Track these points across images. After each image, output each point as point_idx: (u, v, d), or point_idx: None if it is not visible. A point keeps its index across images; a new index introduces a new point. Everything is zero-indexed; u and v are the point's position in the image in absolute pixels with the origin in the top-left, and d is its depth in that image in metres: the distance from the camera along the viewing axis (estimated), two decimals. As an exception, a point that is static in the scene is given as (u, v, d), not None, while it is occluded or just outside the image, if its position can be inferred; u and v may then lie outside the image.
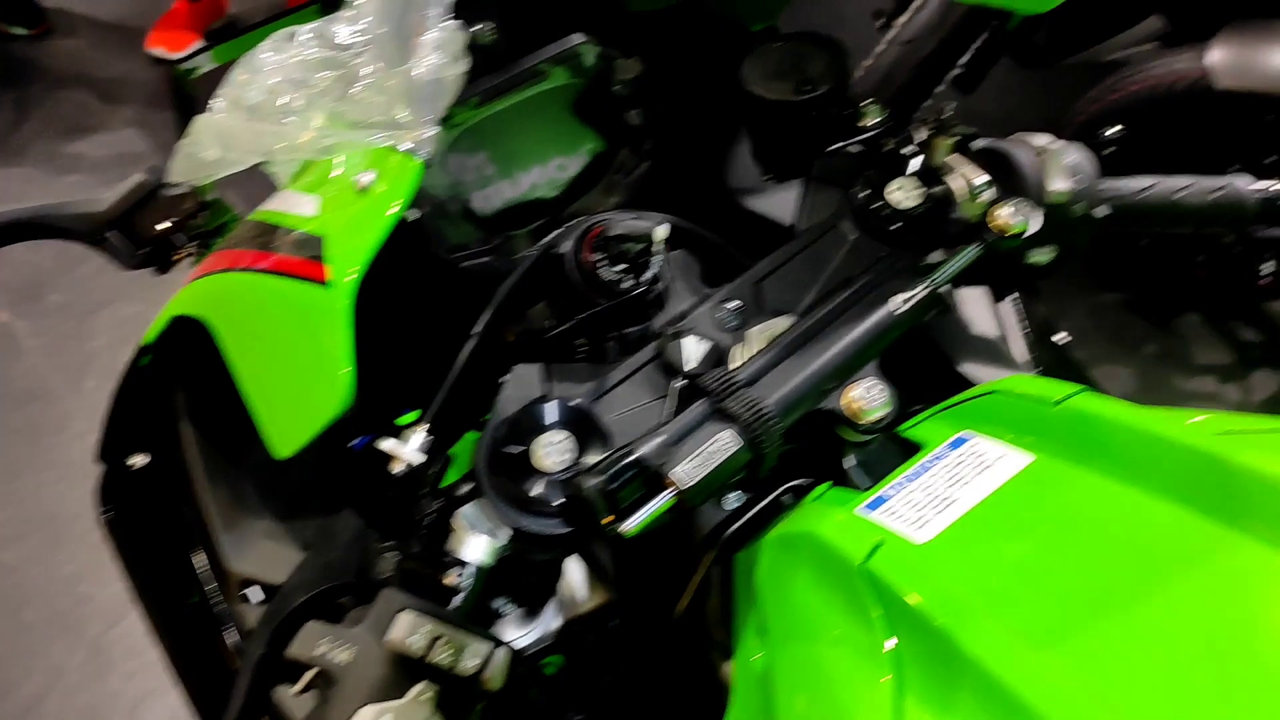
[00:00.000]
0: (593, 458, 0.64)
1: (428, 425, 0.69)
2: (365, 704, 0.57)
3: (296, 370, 0.67)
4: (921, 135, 0.83)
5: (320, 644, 0.60)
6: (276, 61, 0.66)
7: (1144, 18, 3.00)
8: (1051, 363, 0.94)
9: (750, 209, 0.90)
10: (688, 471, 0.61)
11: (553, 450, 0.64)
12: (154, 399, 0.79)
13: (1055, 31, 3.00)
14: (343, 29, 0.65)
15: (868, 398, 0.65)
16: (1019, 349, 0.94)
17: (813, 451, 0.69)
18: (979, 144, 0.83)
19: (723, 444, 0.62)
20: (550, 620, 0.85)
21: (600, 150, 0.87)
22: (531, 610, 0.86)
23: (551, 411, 0.65)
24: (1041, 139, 0.81)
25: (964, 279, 0.77)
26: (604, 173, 0.87)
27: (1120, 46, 3.04)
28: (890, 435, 0.68)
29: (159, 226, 0.76)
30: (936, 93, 3.04)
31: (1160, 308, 2.88)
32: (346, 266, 0.64)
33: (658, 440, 0.62)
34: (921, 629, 0.52)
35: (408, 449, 0.67)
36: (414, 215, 0.75)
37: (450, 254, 0.81)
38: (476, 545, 0.65)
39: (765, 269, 0.74)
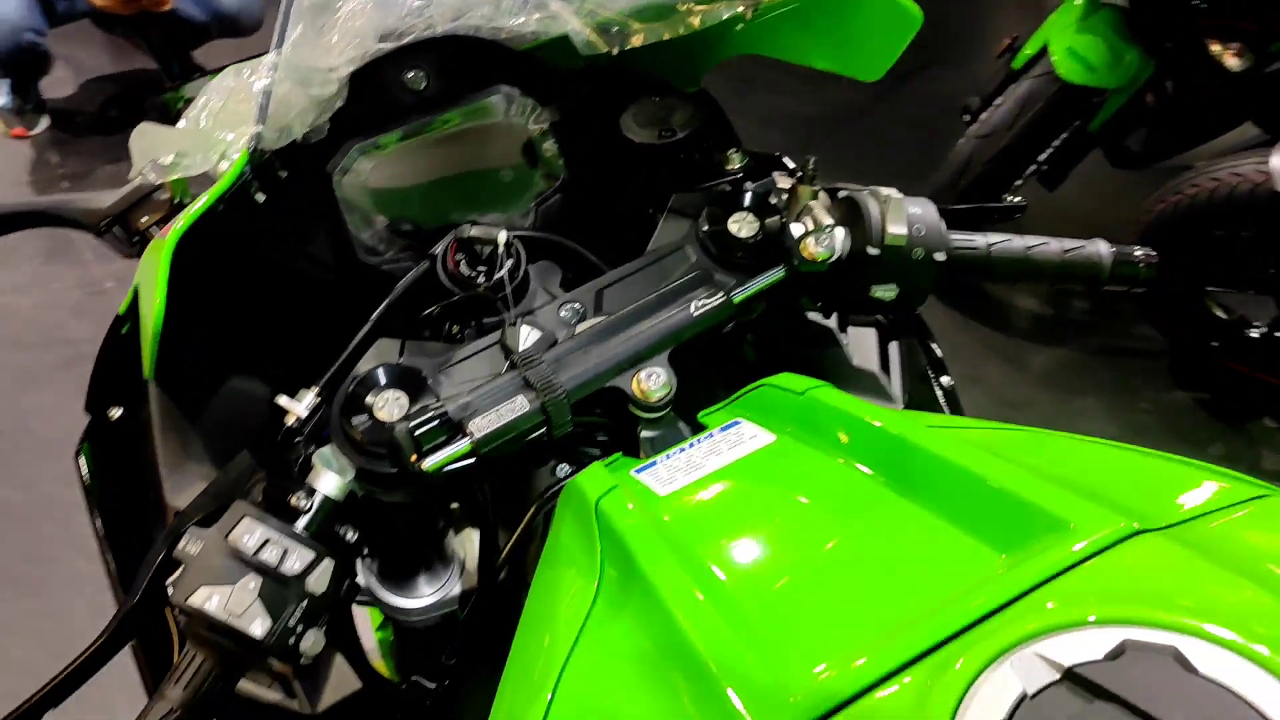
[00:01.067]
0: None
1: (318, 389, 0.84)
2: (202, 585, 0.72)
3: (150, 306, 0.83)
4: (785, 182, 0.95)
5: (186, 541, 0.75)
6: (225, 89, 0.84)
7: (1238, 124, 3.00)
8: (928, 402, 1.04)
9: (636, 236, 1.03)
10: (482, 425, 0.74)
11: (388, 404, 0.78)
12: (129, 361, 0.97)
13: (1152, 136, 3.03)
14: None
15: (650, 382, 0.78)
16: (896, 385, 1.04)
17: (619, 430, 0.81)
18: (841, 193, 0.95)
19: (517, 406, 0.75)
20: (452, 586, 0.98)
21: (515, 180, 1.03)
22: (436, 574, 1.00)
23: (391, 373, 0.79)
24: (888, 191, 0.92)
25: (792, 300, 0.89)
26: (518, 199, 1.02)
27: (1215, 151, 3.04)
28: (686, 420, 0.80)
29: (144, 221, 0.95)
30: (1016, 185, 3.10)
31: (1232, 410, 2.83)
32: (174, 228, 0.81)
33: (464, 399, 0.76)
34: (621, 552, 0.64)
35: (299, 406, 0.82)
36: (261, 198, 0.89)
37: (372, 257, 0.97)
38: (326, 479, 0.79)
39: (609, 279, 0.87)
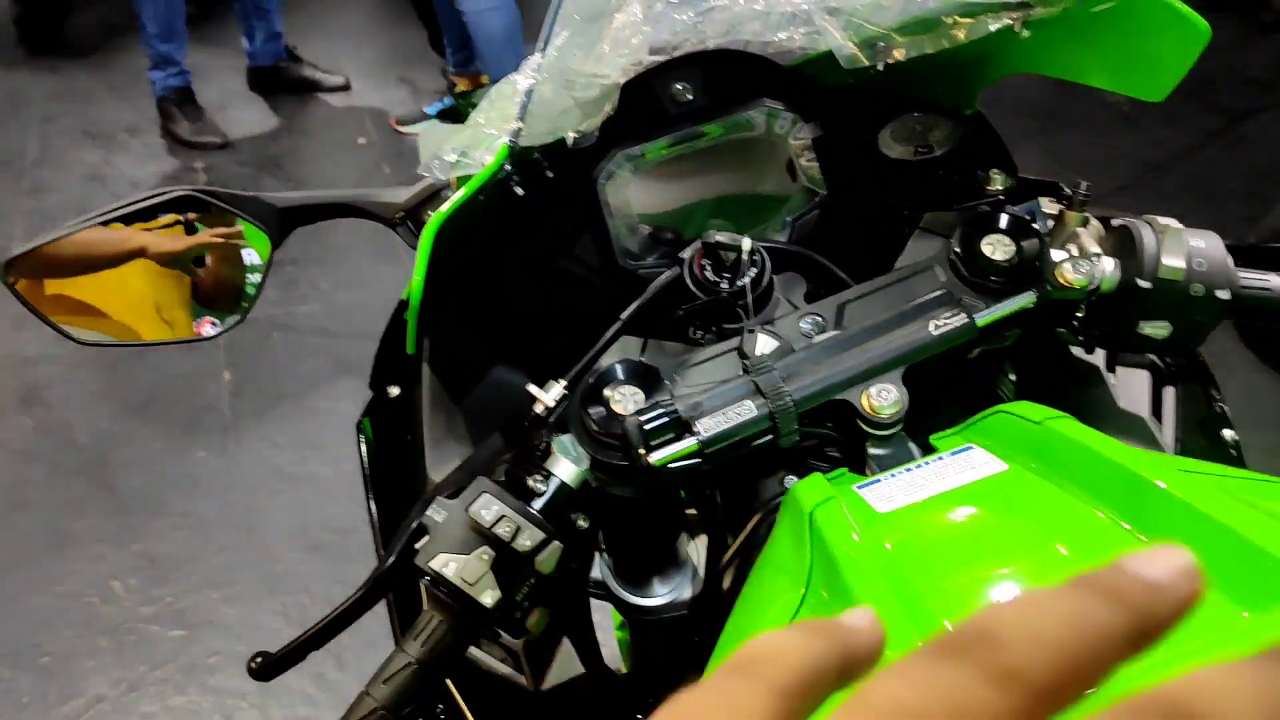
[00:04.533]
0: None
1: (565, 382, 0.88)
2: (441, 552, 0.78)
3: (413, 284, 0.90)
4: (1054, 209, 0.91)
5: (433, 510, 0.81)
6: (505, 94, 0.90)
7: None
8: (1203, 451, 0.95)
9: (888, 255, 1.01)
10: (709, 425, 0.76)
11: (624, 398, 0.81)
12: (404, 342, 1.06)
13: None
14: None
15: (880, 398, 0.76)
16: (1167, 433, 0.96)
17: (850, 446, 0.80)
18: (1116, 221, 0.89)
19: (744, 410, 0.76)
20: (683, 589, 1.01)
21: (774, 196, 1.04)
22: (669, 576, 1.03)
23: (629, 369, 0.82)
24: (1167, 221, 0.86)
25: (1049, 331, 0.84)
26: (776, 214, 1.03)
27: None
28: (918, 441, 0.78)
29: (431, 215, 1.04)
30: None
31: None
32: (438, 213, 0.87)
33: (695, 399, 0.77)
34: (830, 565, 0.63)
35: (547, 395, 0.87)
36: (520, 192, 0.93)
37: (631, 261, 1.01)
38: (563, 466, 0.83)
39: (853, 294, 0.86)
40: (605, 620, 1.13)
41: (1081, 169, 4.08)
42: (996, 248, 0.84)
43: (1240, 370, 3.01)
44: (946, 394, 0.85)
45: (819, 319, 0.85)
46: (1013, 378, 0.99)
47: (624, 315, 0.91)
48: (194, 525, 2.58)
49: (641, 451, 0.76)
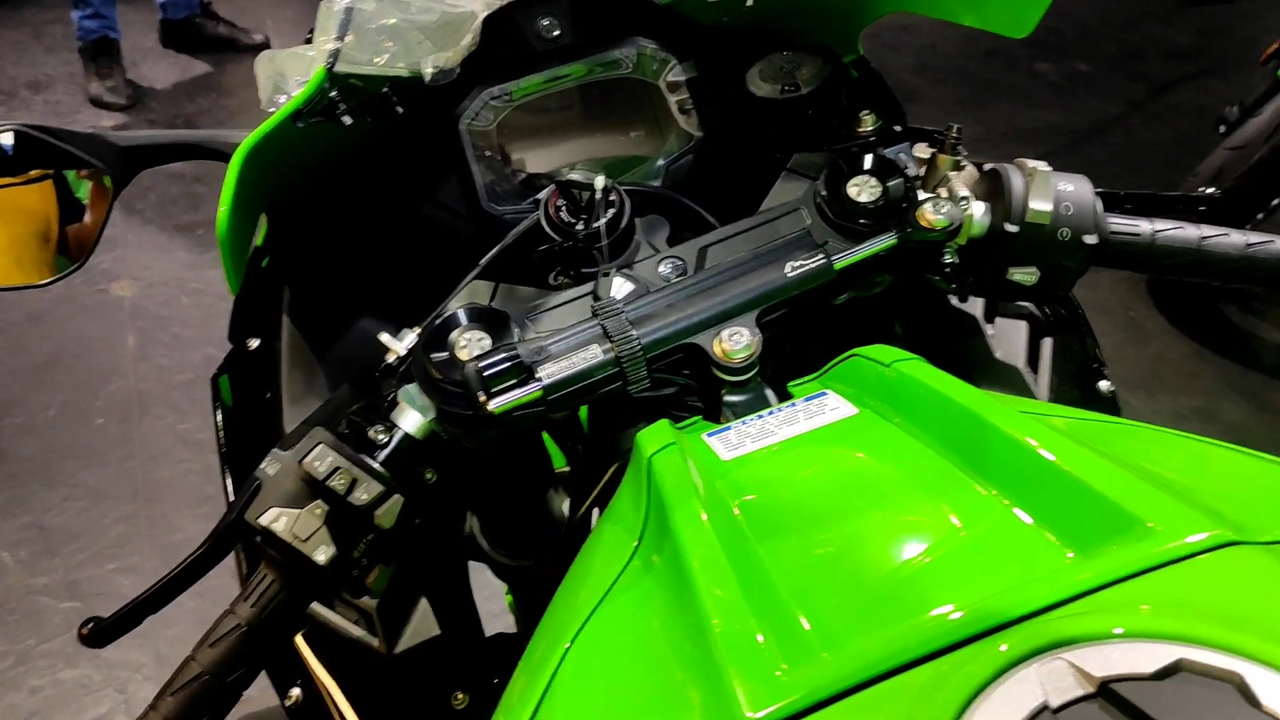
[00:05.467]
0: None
1: (419, 330, 0.84)
2: (273, 506, 0.73)
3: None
4: (926, 153, 0.87)
5: (266, 462, 0.76)
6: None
7: None
8: (1076, 401, 0.93)
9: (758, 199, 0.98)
10: (553, 371, 0.72)
11: (470, 344, 0.76)
12: (270, 293, 1.00)
13: None
14: None
15: (731, 341, 0.72)
16: (1043, 384, 0.94)
17: (708, 394, 0.77)
18: (987, 166, 0.86)
19: (590, 355, 0.72)
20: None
21: (645, 139, 0.99)
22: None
23: (474, 313, 0.78)
24: (1035, 164, 0.83)
25: (916, 277, 0.81)
26: (649, 158, 0.99)
27: None
28: (775, 389, 0.74)
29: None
30: (1273, 205, 2.81)
31: None
32: (245, 139, 0.81)
33: (539, 343, 0.73)
34: (661, 510, 0.60)
35: (399, 344, 0.83)
36: (348, 121, 0.86)
37: (496, 206, 0.96)
38: (409, 416, 0.78)
39: (715, 237, 0.82)
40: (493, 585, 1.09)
41: (1011, 137, 4.10)
42: (862, 189, 0.81)
43: (1156, 336, 3.05)
44: (823, 345, 0.81)
45: (678, 262, 0.81)
46: (900, 332, 0.96)
47: (482, 261, 0.86)
48: (90, 495, 2.48)
49: (481, 397, 0.72)
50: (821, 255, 0.76)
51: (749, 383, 0.74)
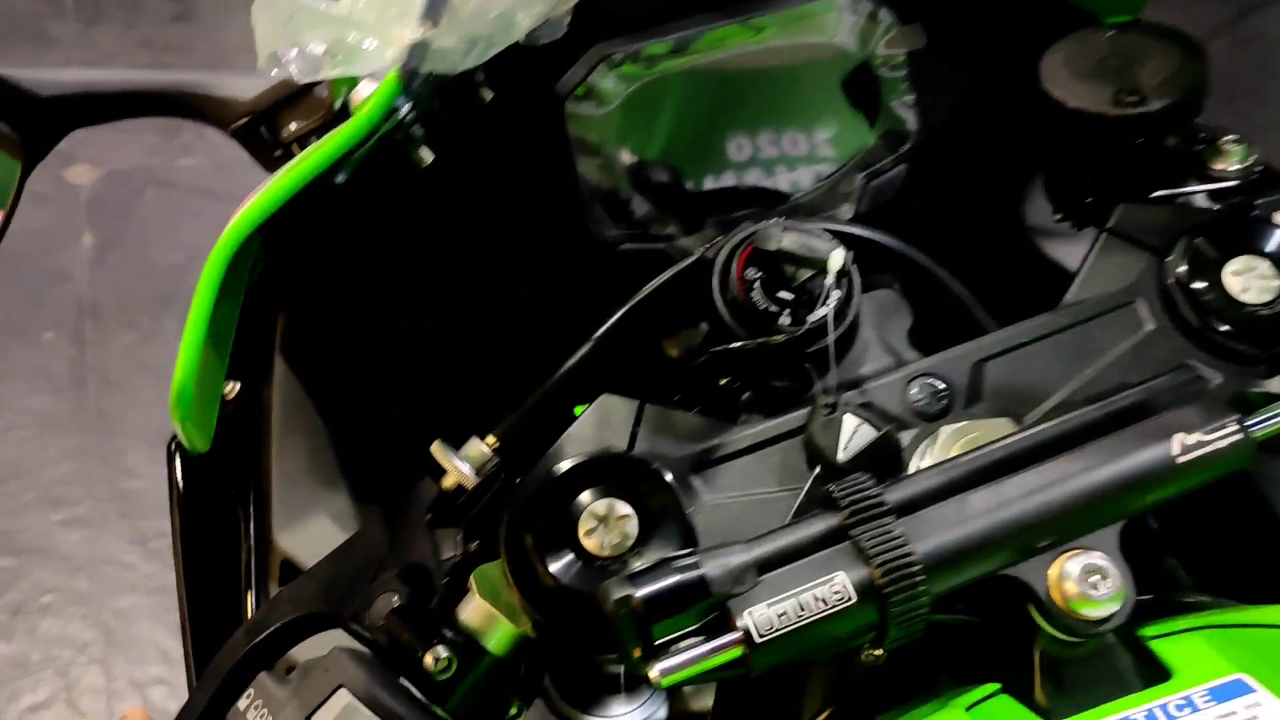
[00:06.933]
0: (654, 553, 0.46)
1: (498, 437, 0.53)
2: None
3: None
4: None
5: (253, 699, 0.46)
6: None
7: None
8: None
9: (1034, 257, 0.66)
10: (767, 618, 0.41)
11: (598, 529, 0.46)
12: (257, 319, 0.69)
13: None
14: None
15: (1086, 584, 0.41)
16: None
17: (987, 624, 0.47)
18: None
19: (832, 592, 0.41)
20: (656, 707, 0.70)
21: (836, 138, 0.67)
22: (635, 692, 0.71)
23: (610, 467, 0.47)
24: None
25: None
26: (837, 165, 0.66)
27: None
28: (1121, 636, 0.44)
29: (293, 128, 0.65)
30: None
31: None
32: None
33: (739, 559, 0.42)
34: None
35: (464, 465, 0.52)
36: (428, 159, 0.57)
37: (610, 227, 0.64)
38: (488, 622, 0.49)
39: (1000, 344, 0.51)
40: None
41: None
42: (1250, 280, 0.50)
43: None
44: None
45: (938, 386, 0.50)
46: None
47: (595, 335, 0.55)
48: (34, 425, 2.16)
49: (636, 653, 0.41)
50: (1240, 424, 0.44)
51: (1094, 643, 0.43)
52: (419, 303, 0.70)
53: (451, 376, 0.71)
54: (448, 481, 0.53)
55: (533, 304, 0.67)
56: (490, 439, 0.54)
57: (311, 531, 0.67)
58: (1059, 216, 0.62)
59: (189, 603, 0.67)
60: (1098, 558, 0.42)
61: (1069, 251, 0.66)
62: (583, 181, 0.66)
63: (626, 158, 0.68)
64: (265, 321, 0.70)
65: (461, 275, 0.70)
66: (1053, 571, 0.42)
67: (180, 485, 0.70)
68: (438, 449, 0.53)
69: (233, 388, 0.71)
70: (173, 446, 0.70)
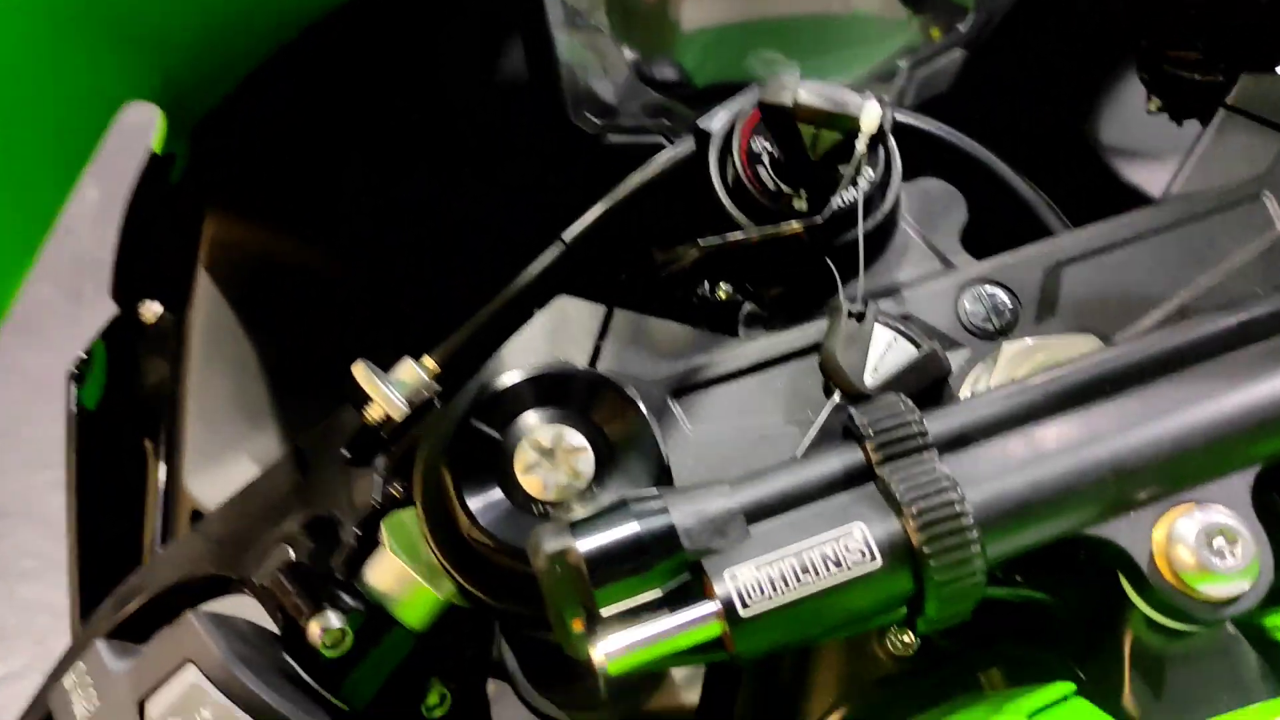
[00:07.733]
0: (609, 494, 0.35)
1: (436, 359, 0.43)
2: None
3: None
4: None
5: (78, 678, 0.36)
6: None
7: None
8: None
9: (1114, 159, 0.55)
10: (756, 583, 0.29)
11: (541, 463, 0.35)
12: (180, 230, 0.59)
13: None
14: None
15: (1206, 550, 0.30)
16: None
17: (1062, 604, 0.35)
18: None
19: (846, 550, 0.29)
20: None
21: (875, 21, 0.55)
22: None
23: (559, 386, 0.36)
24: None
25: None
26: (873, 53, 0.55)
27: None
28: (1243, 627, 0.33)
29: None
30: None
31: None
32: None
33: (719, 503, 0.31)
34: None
35: (395, 397, 0.42)
36: None
37: (594, 116, 0.53)
38: (400, 582, 0.38)
39: (1083, 245, 0.40)
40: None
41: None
42: None
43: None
44: None
45: (1000, 297, 0.39)
46: None
47: (566, 234, 0.45)
48: (24, 384, 2.08)
49: (576, 627, 0.31)
50: None
51: (1210, 629, 0.32)
52: (380, 200, 0.60)
53: (412, 295, 0.61)
54: (372, 412, 0.42)
55: (505, 208, 0.57)
56: (429, 360, 0.43)
57: (230, 476, 0.57)
58: (1156, 106, 0.51)
59: (80, 558, 0.57)
60: (1224, 515, 0.31)
61: (1160, 162, 0.55)
62: (563, 65, 0.55)
63: (624, 49, 0.57)
64: (188, 231, 0.60)
65: (430, 174, 0.60)
66: (1159, 533, 0.31)
67: (77, 421, 0.59)
68: (361, 371, 0.42)
69: (153, 310, 0.62)
70: (74, 372, 0.60)
